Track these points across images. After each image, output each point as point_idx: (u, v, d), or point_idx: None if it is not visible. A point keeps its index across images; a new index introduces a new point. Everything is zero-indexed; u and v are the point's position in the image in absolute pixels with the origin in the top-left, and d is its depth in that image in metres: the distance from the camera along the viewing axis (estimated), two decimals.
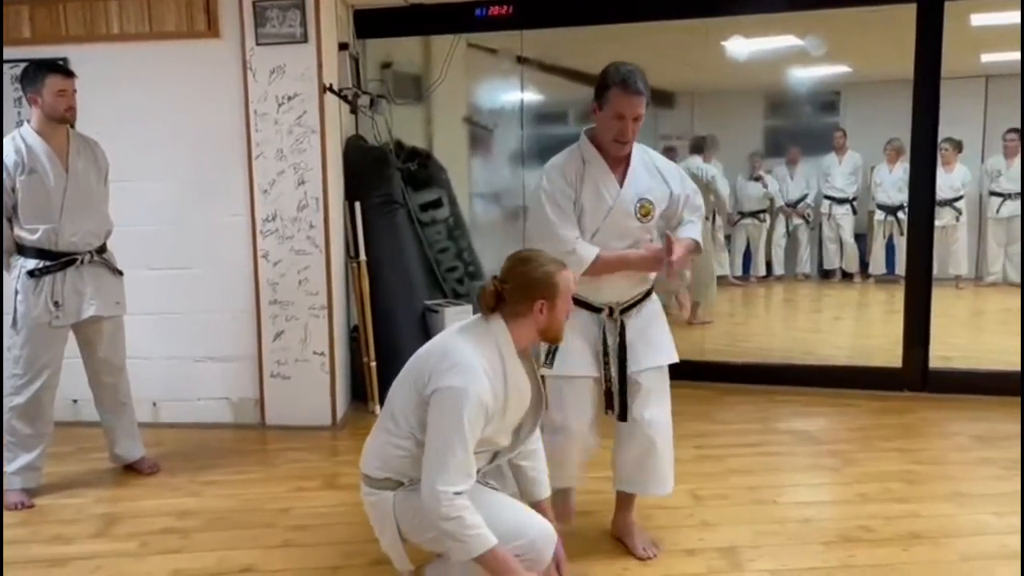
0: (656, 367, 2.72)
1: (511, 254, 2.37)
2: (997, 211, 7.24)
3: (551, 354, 2.61)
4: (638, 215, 2.64)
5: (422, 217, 4.83)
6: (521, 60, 5.40)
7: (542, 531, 2.24)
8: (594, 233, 2.62)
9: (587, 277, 2.59)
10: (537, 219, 2.63)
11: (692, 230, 2.75)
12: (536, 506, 2.42)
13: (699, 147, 6.08)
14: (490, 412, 2.17)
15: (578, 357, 2.66)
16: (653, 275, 2.75)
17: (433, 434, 2.14)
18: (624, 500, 2.84)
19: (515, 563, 2.13)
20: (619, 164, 2.64)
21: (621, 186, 2.63)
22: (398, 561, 2.37)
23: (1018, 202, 7.20)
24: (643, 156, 2.70)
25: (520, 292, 2.26)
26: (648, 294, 2.77)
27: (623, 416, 2.68)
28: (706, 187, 5.78)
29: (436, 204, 4.89)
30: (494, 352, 2.24)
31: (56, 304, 3.31)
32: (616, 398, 2.67)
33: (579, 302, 2.59)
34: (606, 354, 2.67)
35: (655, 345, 2.74)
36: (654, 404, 2.71)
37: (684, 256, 2.64)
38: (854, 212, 7.39)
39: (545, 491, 2.47)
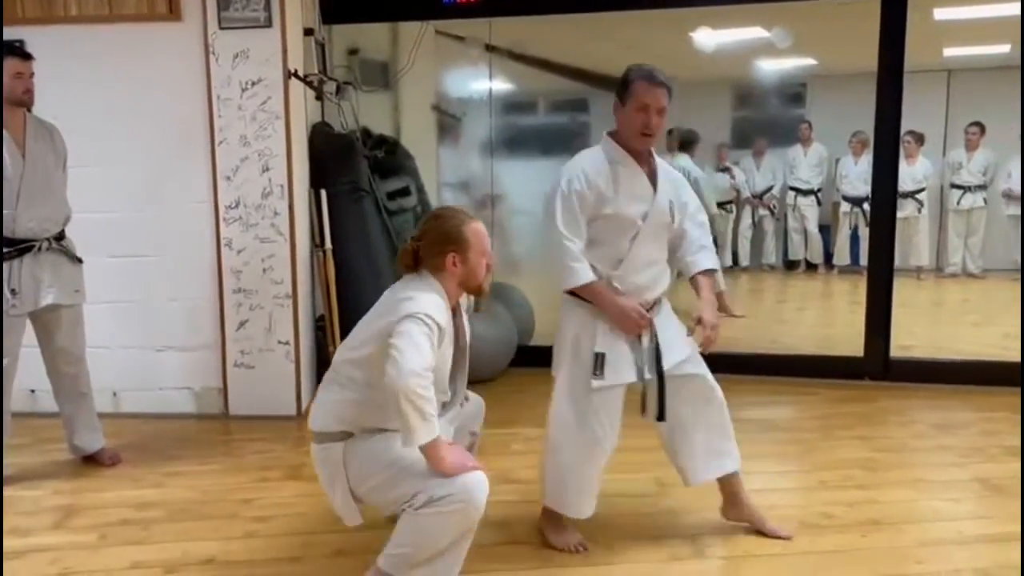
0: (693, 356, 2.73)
1: (427, 212, 2.40)
2: (957, 203, 7.37)
3: (600, 366, 2.58)
4: (670, 216, 2.64)
5: (389, 205, 4.78)
6: (490, 48, 5.37)
7: (474, 477, 2.23)
8: (634, 237, 2.59)
9: (634, 274, 2.59)
10: (546, 220, 2.57)
11: (708, 258, 2.71)
12: None
13: (688, 143, 5.83)
14: (440, 339, 2.27)
15: (627, 363, 2.62)
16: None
17: (399, 332, 2.20)
18: (733, 484, 2.81)
19: (448, 452, 2.22)
20: (644, 166, 2.61)
21: (654, 188, 2.61)
22: (349, 517, 2.42)
23: (978, 195, 7.34)
24: (658, 159, 2.68)
25: (433, 247, 2.38)
26: None
27: (662, 416, 2.64)
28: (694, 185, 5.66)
29: (404, 192, 4.86)
30: (438, 296, 2.35)
31: (13, 292, 3.24)
32: (655, 398, 2.63)
33: None
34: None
35: (681, 338, 2.72)
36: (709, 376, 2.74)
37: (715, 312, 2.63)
38: (819, 203, 7.48)
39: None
